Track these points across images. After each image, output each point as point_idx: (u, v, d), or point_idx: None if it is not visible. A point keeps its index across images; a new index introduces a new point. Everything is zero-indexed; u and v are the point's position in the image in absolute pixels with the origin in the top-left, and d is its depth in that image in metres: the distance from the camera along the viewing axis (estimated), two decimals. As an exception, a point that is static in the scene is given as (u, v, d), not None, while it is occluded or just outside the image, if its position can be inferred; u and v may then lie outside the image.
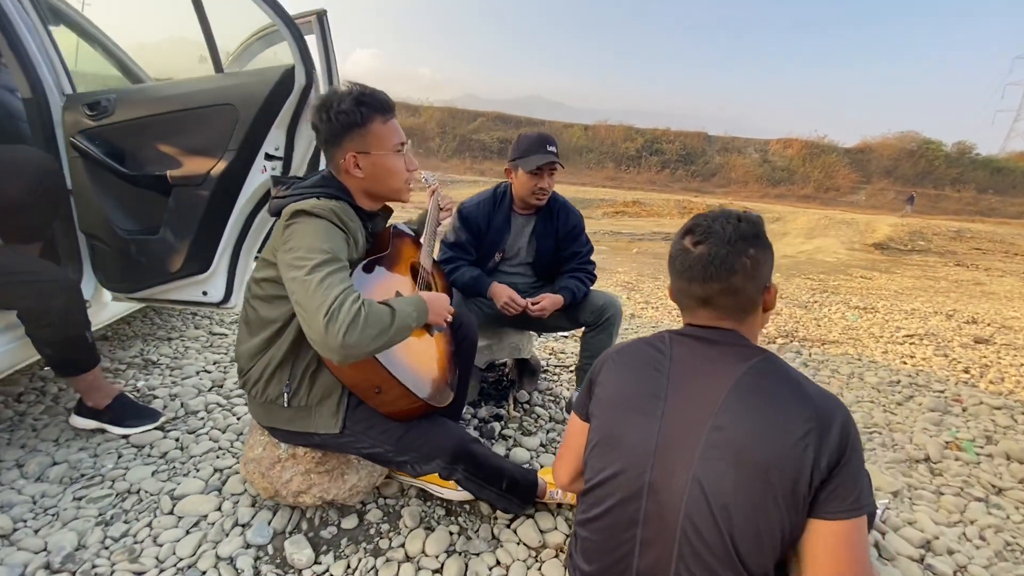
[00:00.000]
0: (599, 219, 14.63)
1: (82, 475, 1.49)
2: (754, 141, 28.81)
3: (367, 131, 1.20)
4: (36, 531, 1.28)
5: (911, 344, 3.52)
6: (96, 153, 1.58)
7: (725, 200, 19.88)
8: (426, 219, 1.66)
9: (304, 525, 1.39)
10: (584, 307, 1.94)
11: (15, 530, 1.27)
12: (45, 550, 1.22)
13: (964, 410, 2.41)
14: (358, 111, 1.18)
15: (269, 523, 1.36)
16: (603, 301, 1.93)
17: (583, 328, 1.98)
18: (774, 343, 3.37)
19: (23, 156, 1.50)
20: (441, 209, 1.74)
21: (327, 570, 1.26)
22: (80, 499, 1.39)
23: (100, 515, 1.35)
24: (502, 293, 1.83)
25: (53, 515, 1.33)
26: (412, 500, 1.51)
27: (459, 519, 1.46)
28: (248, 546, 1.30)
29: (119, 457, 1.57)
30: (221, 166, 1.51)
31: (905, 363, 3.09)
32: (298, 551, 1.28)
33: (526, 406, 2.15)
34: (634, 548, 0.87)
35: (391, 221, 1.47)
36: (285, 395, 1.23)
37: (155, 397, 1.91)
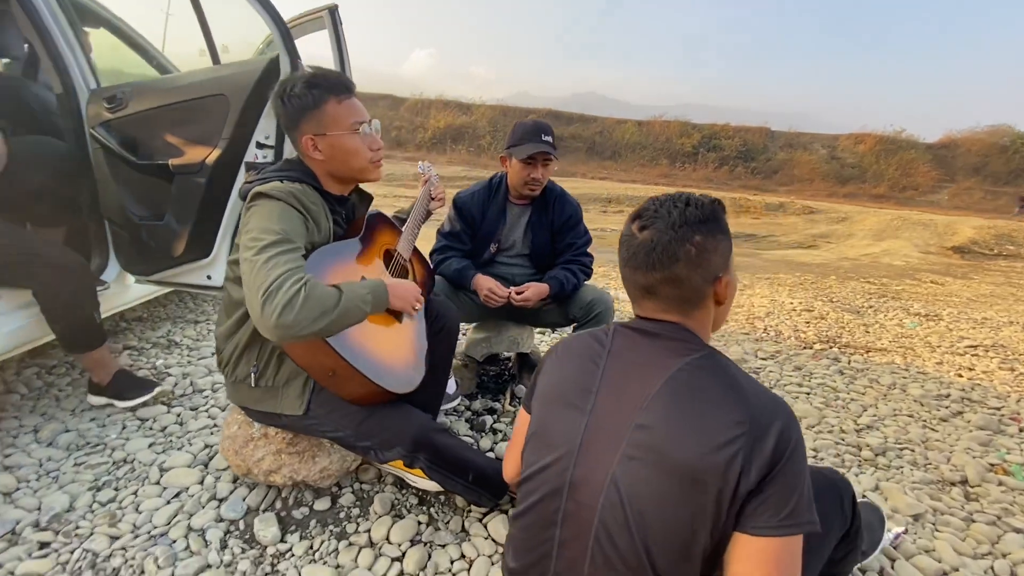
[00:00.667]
0: (647, 217, 14.27)
1: (87, 443, 1.60)
2: (821, 136, 27.02)
3: (322, 112, 1.20)
4: (35, 491, 1.38)
5: (973, 356, 3.17)
6: (112, 143, 1.69)
7: (787, 199, 18.76)
8: (413, 207, 1.66)
9: (278, 504, 1.42)
10: (574, 301, 1.88)
11: (17, 489, 1.38)
12: (38, 509, 1.32)
13: (1021, 430, 2.14)
14: (310, 93, 1.19)
15: (244, 499, 1.41)
16: (592, 296, 1.86)
17: (573, 324, 1.92)
18: (810, 348, 3.14)
19: (45, 146, 1.62)
20: (433, 199, 1.73)
21: (290, 549, 1.29)
22: (80, 465, 1.49)
23: (94, 481, 1.44)
24: (483, 284, 1.80)
25: (53, 478, 1.44)
26: (387, 487, 1.51)
27: (431, 509, 1.45)
28: (220, 520, 1.35)
29: (123, 428, 1.68)
30: (216, 154, 1.57)
31: (960, 375, 2.78)
32: (265, 528, 1.32)
33: (518, 399, 2.11)
34: (552, 549, 0.82)
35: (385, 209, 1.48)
36: (253, 375, 1.26)
37: (169, 375, 2.03)
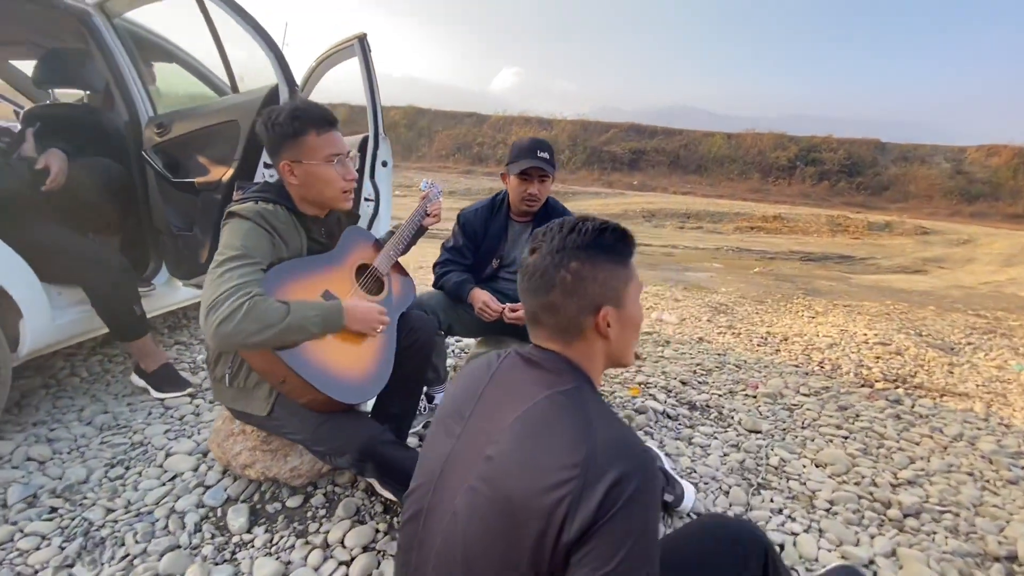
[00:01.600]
0: (728, 234, 13.43)
1: (116, 424, 1.82)
2: (944, 148, 23.97)
3: (301, 142, 1.30)
4: (63, 463, 1.60)
5: (1085, 410, 2.65)
6: (157, 164, 1.94)
7: (896, 217, 16.84)
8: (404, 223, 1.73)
9: (256, 497, 1.53)
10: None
11: (50, 459, 1.61)
12: (60, 479, 1.53)
13: (1118, 506, 1.76)
14: (292, 124, 1.29)
15: (226, 489, 1.53)
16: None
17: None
18: (869, 386, 2.80)
19: (100, 167, 1.91)
20: (428, 215, 1.79)
21: (253, 540, 1.38)
22: (104, 443, 1.71)
23: (111, 458, 1.64)
24: (478, 298, 1.82)
25: (80, 453, 1.66)
26: (358, 492, 1.57)
27: (394, 518, 1.48)
28: (201, 506, 1.48)
29: (148, 414, 1.90)
30: (230, 173, 1.75)
31: (1057, 433, 2.34)
32: (235, 518, 1.42)
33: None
34: (409, 572, 0.82)
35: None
36: (227, 375, 1.38)
37: (202, 369, 2.26)
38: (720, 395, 2.54)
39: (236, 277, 1.14)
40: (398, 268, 1.65)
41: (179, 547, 1.33)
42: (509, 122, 26.83)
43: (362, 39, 2.38)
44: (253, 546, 1.36)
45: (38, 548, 1.27)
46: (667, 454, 1.94)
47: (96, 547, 1.30)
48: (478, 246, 1.99)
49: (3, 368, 1.60)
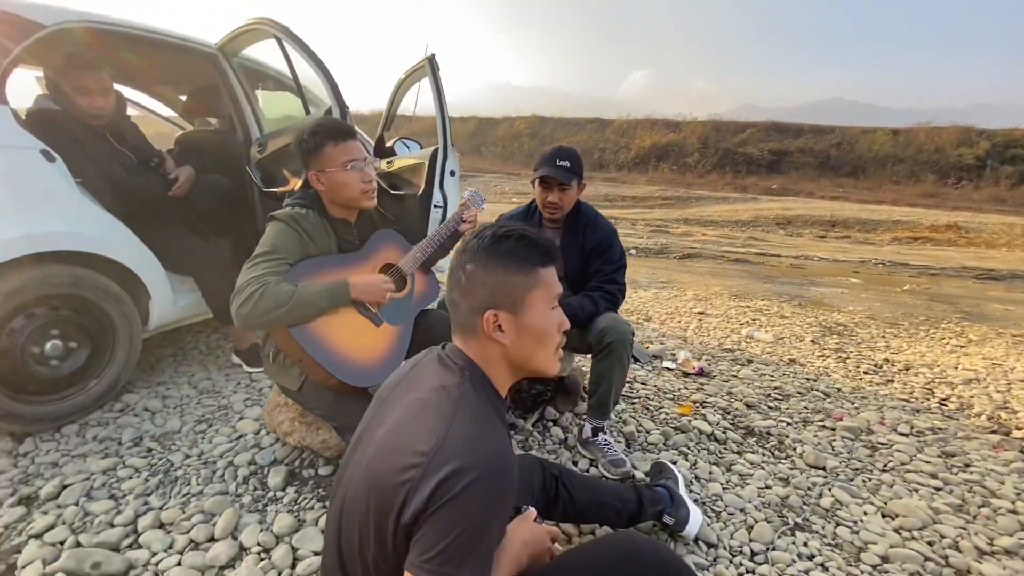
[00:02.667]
0: (881, 245, 11.60)
1: (213, 390, 2.22)
2: None
3: (321, 153, 1.50)
4: (167, 415, 2.01)
5: None
6: (255, 177, 2.33)
7: None
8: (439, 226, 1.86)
9: (296, 462, 1.77)
10: (590, 329, 1.82)
11: (158, 412, 2.03)
12: (161, 427, 1.92)
13: None
14: (313, 138, 1.49)
15: (274, 452, 1.80)
16: (605, 324, 1.77)
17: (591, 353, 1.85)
18: (1003, 433, 2.28)
19: (216, 183, 2.34)
20: (464, 221, 1.91)
21: (283, 497, 1.61)
22: (199, 404, 2.10)
23: (201, 416, 2.02)
24: None
25: (181, 409, 2.06)
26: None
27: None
28: (252, 463, 1.75)
29: (237, 384, 2.28)
30: (300, 183, 2.05)
31: None
32: (274, 477, 1.67)
33: (548, 424, 2.11)
34: (327, 523, 0.92)
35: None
36: (271, 354, 1.63)
37: (289, 351, 2.64)
38: (789, 423, 2.28)
39: (259, 269, 1.36)
40: (424, 269, 1.78)
41: (226, 494, 1.60)
42: (633, 126, 26.17)
43: (431, 59, 2.60)
44: (282, 503, 1.59)
45: (130, 478, 1.63)
46: (696, 477, 1.81)
47: (170, 483, 1.63)
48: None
49: (136, 337, 2.05)
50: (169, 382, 2.27)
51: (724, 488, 1.76)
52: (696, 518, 1.48)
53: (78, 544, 1.36)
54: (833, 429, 2.24)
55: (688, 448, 2.00)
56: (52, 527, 1.41)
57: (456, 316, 0.87)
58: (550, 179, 1.85)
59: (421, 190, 2.71)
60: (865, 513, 1.68)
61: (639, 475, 1.80)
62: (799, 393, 2.63)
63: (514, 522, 0.98)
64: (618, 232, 2.02)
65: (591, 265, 1.94)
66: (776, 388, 2.67)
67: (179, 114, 3.07)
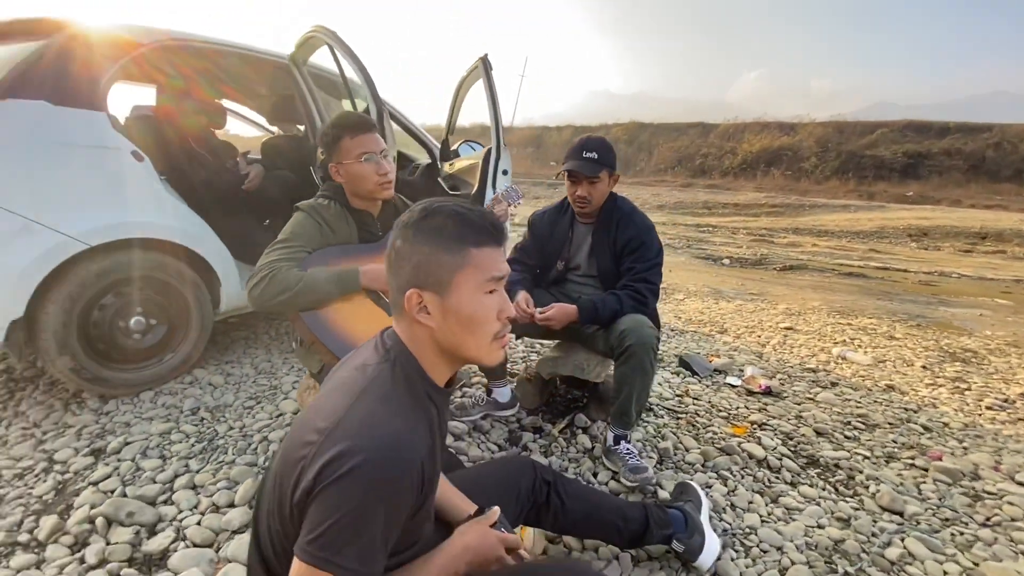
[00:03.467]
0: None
1: (270, 370, 2.41)
2: None
3: (339, 146, 1.55)
4: (225, 390, 2.20)
5: None
6: (316, 177, 2.51)
7: None
8: None
9: (323, 443, 1.85)
10: (612, 331, 1.69)
11: (220, 387, 2.23)
12: (217, 400, 2.11)
13: None
14: (332, 132, 1.56)
15: (305, 432, 1.89)
16: (625, 326, 1.63)
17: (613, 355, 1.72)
18: None
19: (282, 179, 2.55)
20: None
21: (302, 475, 1.69)
22: (255, 383, 2.28)
23: (253, 393, 2.19)
24: (518, 300, 1.81)
25: (238, 386, 2.25)
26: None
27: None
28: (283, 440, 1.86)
29: (291, 367, 2.44)
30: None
31: None
32: (298, 455, 1.76)
33: (576, 431, 2.00)
34: None
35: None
36: (300, 338, 1.73)
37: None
38: (867, 457, 1.95)
39: (274, 255, 1.44)
40: None
41: (254, 465, 1.71)
42: (740, 129, 24.49)
43: (484, 59, 2.62)
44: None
45: (180, 442, 1.80)
46: (732, 505, 1.60)
47: (211, 451, 1.78)
48: (543, 248, 1.98)
49: (207, 319, 2.29)
50: (235, 361, 2.50)
51: (763, 521, 1.54)
52: (712, 549, 1.31)
53: (124, 494, 1.53)
54: (925, 469, 1.87)
55: (730, 472, 1.78)
56: (108, 477, 1.60)
57: (390, 296, 0.84)
58: (576, 172, 1.76)
59: (475, 189, 2.75)
60: (945, 573, 1.37)
61: (663, 494, 1.63)
62: (889, 424, 2.24)
63: (466, 524, 0.93)
64: (655, 228, 1.88)
65: (623, 262, 1.81)
66: (861, 416, 2.30)
67: (267, 121, 3.42)
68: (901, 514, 1.61)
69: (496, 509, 0.97)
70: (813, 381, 2.72)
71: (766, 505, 1.62)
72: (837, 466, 1.88)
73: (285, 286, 1.39)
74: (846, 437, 2.10)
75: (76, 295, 1.86)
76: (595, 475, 1.74)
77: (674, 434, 2.01)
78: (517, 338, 2.55)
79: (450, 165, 3.27)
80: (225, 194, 2.36)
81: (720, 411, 2.26)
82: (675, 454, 1.88)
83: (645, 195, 18.44)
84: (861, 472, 1.83)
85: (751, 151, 22.79)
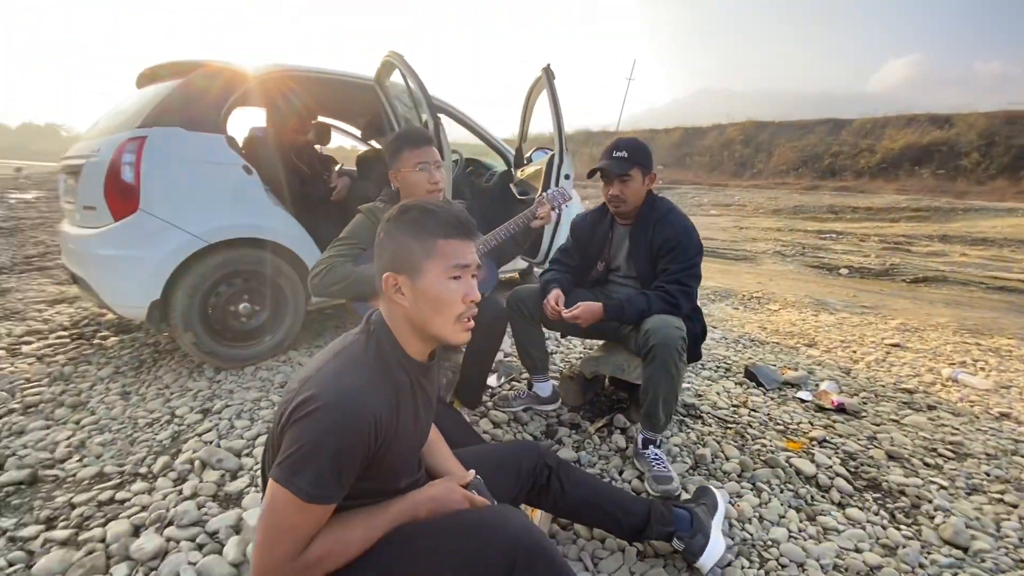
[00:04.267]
0: None
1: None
2: None
3: (399, 157, 1.76)
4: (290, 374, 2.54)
5: None
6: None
7: None
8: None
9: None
10: (639, 330, 1.70)
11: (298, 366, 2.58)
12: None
13: None
14: (394, 143, 1.77)
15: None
16: (650, 325, 1.63)
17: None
18: None
19: (364, 189, 2.87)
20: (536, 218, 2.01)
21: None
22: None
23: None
24: (549, 296, 1.87)
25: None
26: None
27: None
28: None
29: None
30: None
31: None
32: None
33: (614, 430, 2.01)
34: None
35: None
36: (358, 325, 1.97)
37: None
38: (945, 488, 1.72)
39: (333, 251, 1.69)
40: (485, 259, 1.91)
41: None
42: (880, 124, 21.67)
43: (546, 68, 2.74)
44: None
45: (268, 408, 2.14)
46: (760, 518, 1.54)
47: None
48: (585, 249, 2.03)
49: (300, 308, 2.66)
50: (323, 346, 2.85)
51: (791, 536, 1.46)
52: (715, 551, 1.29)
53: (218, 445, 1.87)
54: (1014, 506, 1.62)
55: (768, 485, 1.69)
56: (209, 431, 1.96)
57: (376, 280, 0.99)
58: (605, 171, 1.80)
59: (539, 192, 2.88)
60: (1003, 620, 1.20)
61: (687, 496, 1.61)
62: (987, 455, 1.94)
63: (440, 479, 1.05)
64: (695, 230, 1.84)
65: (659, 264, 1.81)
66: (953, 444, 2.02)
67: (362, 137, 3.84)
68: (965, 549, 1.42)
69: (472, 472, 1.08)
70: (905, 403, 2.42)
71: (799, 521, 1.52)
72: (902, 492, 1.69)
73: (338, 278, 1.62)
74: (925, 464, 1.87)
75: (198, 283, 2.30)
76: (620, 472, 1.75)
77: (717, 442, 1.94)
78: (563, 336, 2.61)
79: (521, 171, 3.42)
80: (317, 202, 2.73)
81: (777, 424, 2.13)
82: (712, 461, 1.82)
83: (760, 199, 17.12)
84: (930, 502, 1.63)
85: (893, 148, 20.05)
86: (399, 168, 1.78)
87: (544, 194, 2.07)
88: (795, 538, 1.45)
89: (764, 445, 1.94)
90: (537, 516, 1.46)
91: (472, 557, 0.85)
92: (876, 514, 1.58)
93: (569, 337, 2.86)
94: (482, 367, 1.94)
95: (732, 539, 1.43)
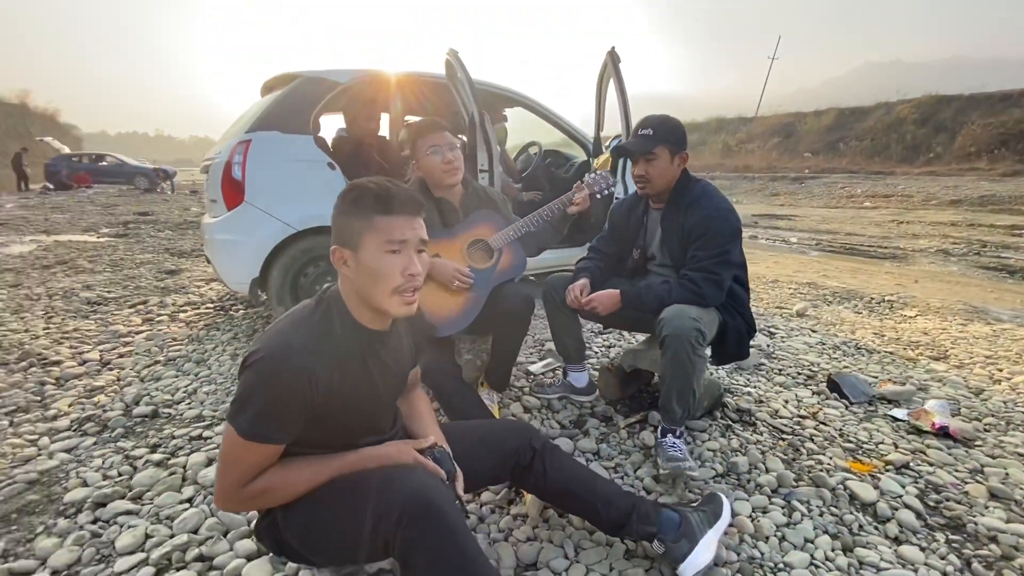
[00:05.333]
0: None
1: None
2: None
3: (416, 147, 1.87)
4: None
5: None
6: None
7: None
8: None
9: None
10: (656, 319, 1.59)
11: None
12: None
13: None
14: (410, 138, 1.89)
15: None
16: (664, 316, 1.53)
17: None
18: None
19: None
20: (572, 204, 1.99)
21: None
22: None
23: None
24: (572, 286, 1.83)
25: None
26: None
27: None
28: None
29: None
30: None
31: None
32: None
33: (644, 427, 1.92)
34: None
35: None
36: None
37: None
38: (1061, 541, 1.36)
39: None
40: (513, 246, 1.93)
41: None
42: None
43: (611, 51, 2.66)
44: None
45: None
46: (781, 538, 1.36)
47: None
48: (621, 236, 1.95)
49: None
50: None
51: (812, 563, 1.28)
52: (699, 561, 1.19)
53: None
54: None
55: (807, 506, 1.49)
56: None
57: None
58: (626, 149, 1.70)
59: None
60: None
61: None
62: None
63: (397, 441, 1.12)
64: (733, 213, 1.67)
65: (688, 250, 1.68)
66: (1099, 491, 1.57)
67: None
68: (1056, 620, 1.11)
69: (431, 439, 1.14)
70: (1018, 425, 1.93)
71: (830, 550, 1.32)
72: (993, 539, 1.37)
73: None
74: (1043, 510, 1.48)
75: (289, 265, 2.66)
76: (636, 469, 1.67)
77: (761, 452, 1.75)
78: (606, 328, 2.52)
79: (597, 161, 3.35)
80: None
81: (848, 441, 1.84)
82: (748, 471, 1.65)
83: (933, 188, 14.43)
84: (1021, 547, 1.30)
85: None
86: (417, 156, 1.88)
87: (584, 180, 2.03)
88: (817, 566, 1.27)
89: (820, 462, 1.70)
90: (528, 499, 1.47)
91: (373, 508, 0.91)
92: (943, 558, 1.31)
93: (613, 329, 2.75)
94: (509, 352, 1.97)
95: (737, 555, 1.30)
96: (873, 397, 2.19)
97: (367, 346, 1.06)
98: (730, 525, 1.38)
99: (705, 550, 1.21)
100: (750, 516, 1.44)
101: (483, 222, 1.96)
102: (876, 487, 1.56)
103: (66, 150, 22.64)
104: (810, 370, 2.50)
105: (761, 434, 1.88)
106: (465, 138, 2.85)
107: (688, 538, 1.22)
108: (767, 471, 1.65)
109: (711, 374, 2.25)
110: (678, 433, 1.62)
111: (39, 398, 2.19)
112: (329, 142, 2.97)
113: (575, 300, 1.78)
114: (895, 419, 2.02)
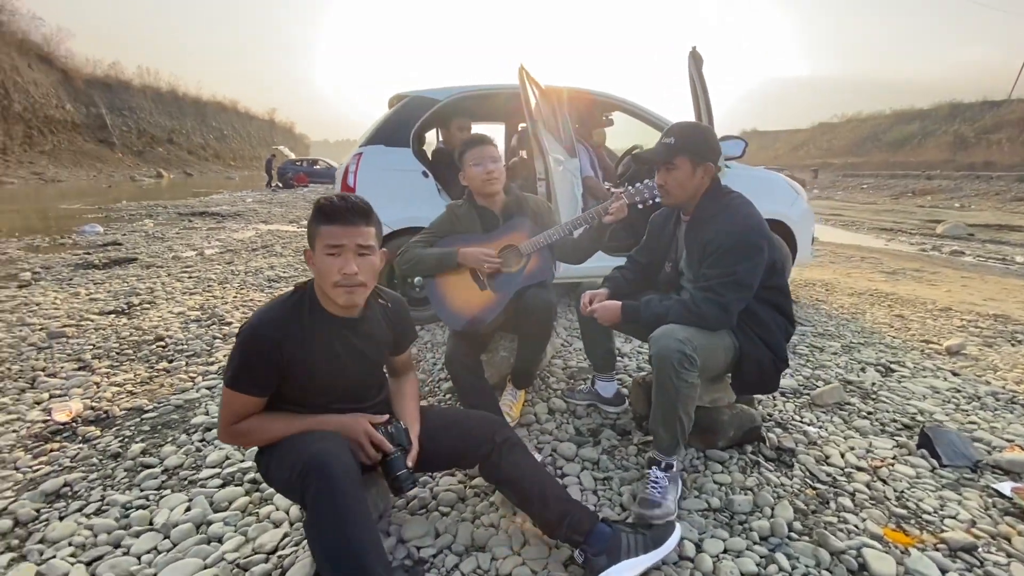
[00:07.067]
0: None
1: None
2: None
3: (462, 160, 2.06)
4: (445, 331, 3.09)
5: None
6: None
7: None
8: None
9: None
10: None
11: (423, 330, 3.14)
12: (441, 339, 3.02)
13: None
14: (459, 152, 2.07)
15: (465, 374, 2.54)
16: (654, 336, 1.48)
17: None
18: None
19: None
20: (608, 214, 2.01)
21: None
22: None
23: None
24: (586, 295, 1.82)
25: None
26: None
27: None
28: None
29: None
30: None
31: None
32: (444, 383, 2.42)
33: (658, 446, 1.85)
34: None
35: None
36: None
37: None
38: None
39: (414, 239, 2.11)
40: (541, 252, 2.01)
41: (434, 367, 2.48)
42: None
43: (692, 52, 2.54)
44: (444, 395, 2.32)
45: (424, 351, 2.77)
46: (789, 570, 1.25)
47: (420, 362, 2.67)
48: (653, 247, 1.88)
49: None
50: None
51: (756, 619, 1.16)
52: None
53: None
54: None
55: (789, 562, 1.32)
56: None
57: None
58: (643, 157, 1.65)
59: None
60: None
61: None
62: None
63: (357, 413, 1.35)
64: (757, 233, 1.51)
65: (701, 268, 1.58)
66: None
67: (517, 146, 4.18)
68: None
69: (386, 416, 1.35)
70: None
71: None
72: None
73: (409, 260, 2.05)
74: None
75: (391, 258, 3.10)
76: (622, 485, 1.64)
77: (774, 496, 1.57)
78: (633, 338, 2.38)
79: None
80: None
81: (903, 506, 1.53)
82: (746, 511, 1.50)
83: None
84: None
85: None
86: (463, 169, 2.07)
87: (627, 188, 2.01)
88: (761, 623, 1.15)
89: (843, 520, 1.47)
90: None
91: (292, 462, 1.15)
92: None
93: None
94: (532, 352, 2.07)
95: (672, 586, 1.24)
96: (978, 463, 1.75)
97: (335, 330, 1.30)
98: (686, 559, 1.32)
99: (624, 571, 1.19)
100: (716, 556, 1.34)
101: (516, 229, 2.09)
102: (900, 563, 1.30)
103: (292, 156, 28.23)
104: (913, 419, 2.07)
105: (791, 478, 1.68)
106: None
107: (610, 556, 1.22)
108: (771, 516, 1.49)
109: (759, 404, 2.02)
110: (664, 466, 1.54)
111: (209, 348, 2.95)
112: (429, 154, 3.36)
113: (584, 307, 1.81)
114: (996, 493, 1.60)
